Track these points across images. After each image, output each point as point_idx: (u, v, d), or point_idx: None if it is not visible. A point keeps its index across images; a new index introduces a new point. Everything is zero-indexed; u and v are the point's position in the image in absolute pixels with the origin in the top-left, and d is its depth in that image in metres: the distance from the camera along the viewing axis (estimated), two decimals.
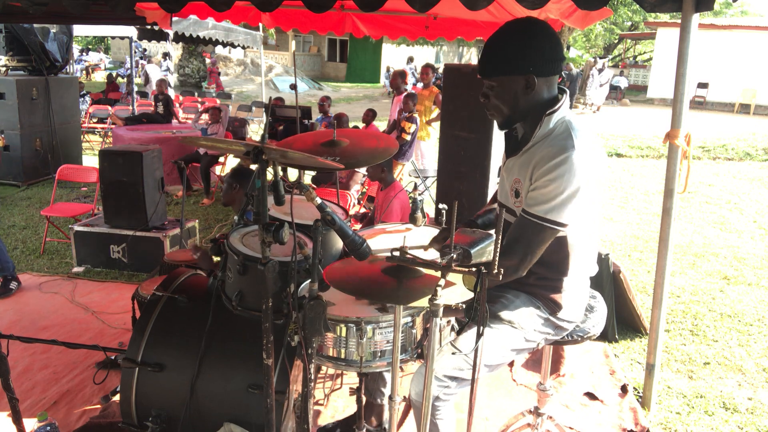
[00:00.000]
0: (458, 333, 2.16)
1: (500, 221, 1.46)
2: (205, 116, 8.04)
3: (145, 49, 25.61)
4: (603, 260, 3.59)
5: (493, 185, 4.26)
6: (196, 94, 15.52)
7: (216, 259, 3.09)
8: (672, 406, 3.09)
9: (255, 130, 12.04)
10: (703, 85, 20.04)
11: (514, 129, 1.95)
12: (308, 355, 1.63)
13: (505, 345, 1.90)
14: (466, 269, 1.46)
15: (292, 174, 7.61)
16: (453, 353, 1.85)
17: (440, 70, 14.48)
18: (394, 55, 29.30)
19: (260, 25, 9.35)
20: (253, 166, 1.54)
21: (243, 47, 13.05)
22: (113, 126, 10.32)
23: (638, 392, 3.18)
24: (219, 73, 20.88)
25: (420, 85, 10.29)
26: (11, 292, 4.28)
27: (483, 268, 1.44)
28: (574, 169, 1.66)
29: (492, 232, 1.65)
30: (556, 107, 1.78)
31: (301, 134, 2.23)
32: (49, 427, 2.49)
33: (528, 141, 1.82)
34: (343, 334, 1.88)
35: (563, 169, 1.66)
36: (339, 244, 2.46)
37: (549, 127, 1.78)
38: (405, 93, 7.37)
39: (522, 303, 1.92)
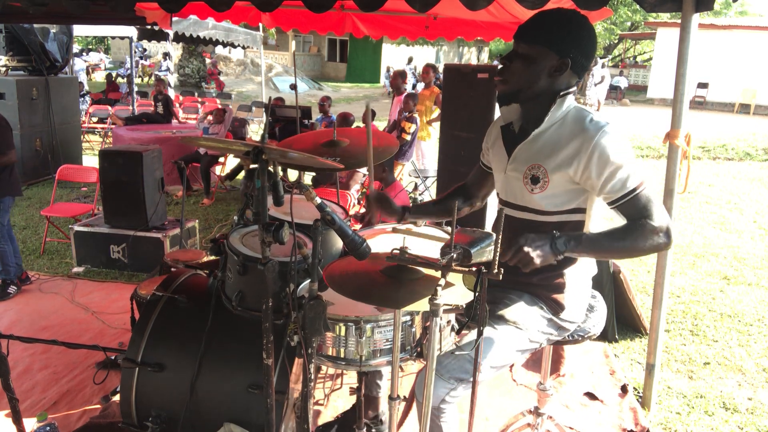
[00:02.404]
0: (458, 332, 2.16)
1: (500, 221, 1.46)
2: (209, 117, 8.05)
3: (145, 49, 25.62)
4: (603, 260, 3.59)
5: None
6: (196, 94, 15.53)
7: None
8: (672, 406, 3.09)
9: (255, 130, 12.04)
10: (703, 85, 20.05)
11: (510, 124, 1.94)
12: (308, 355, 1.63)
13: (510, 346, 1.89)
14: (466, 269, 1.46)
15: (293, 174, 7.61)
16: (453, 352, 1.85)
17: (440, 70, 14.48)
18: (394, 55, 29.31)
19: (260, 25, 9.34)
20: (253, 166, 1.53)
21: (243, 47, 13.05)
22: (113, 126, 10.32)
23: (638, 392, 3.18)
24: (220, 73, 20.88)
25: (420, 85, 10.29)
26: (9, 296, 4.26)
27: (483, 267, 1.44)
28: (617, 140, 1.71)
29: (493, 232, 1.65)
30: (569, 90, 1.80)
31: (301, 134, 2.23)
32: (49, 427, 2.49)
33: (540, 123, 1.81)
34: (343, 333, 1.88)
35: (613, 148, 1.70)
36: (339, 243, 2.46)
37: (562, 109, 1.80)
38: (405, 93, 7.37)
39: (525, 303, 1.92)
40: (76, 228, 4.84)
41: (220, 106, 8.53)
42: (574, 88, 1.82)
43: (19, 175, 4.35)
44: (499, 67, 1.85)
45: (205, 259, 3.40)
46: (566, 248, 1.67)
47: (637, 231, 1.71)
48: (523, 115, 1.90)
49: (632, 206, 1.73)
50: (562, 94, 1.79)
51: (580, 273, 1.93)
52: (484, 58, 37.13)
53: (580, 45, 1.76)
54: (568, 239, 1.68)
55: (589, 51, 1.79)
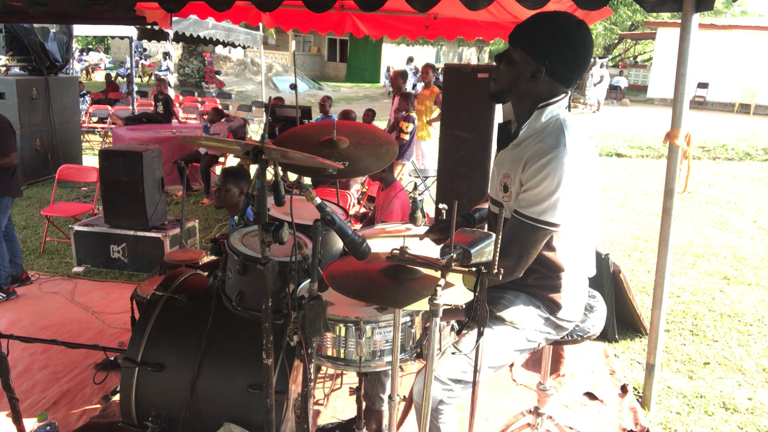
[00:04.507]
0: (458, 333, 2.16)
1: (500, 221, 1.46)
2: (204, 116, 8.06)
3: (145, 49, 25.62)
4: (603, 260, 3.59)
5: None
6: (196, 93, 15.52)
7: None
8: (672, 406, 3.10)
9: (255, 130, 12.04)
10: (703, 85, 20.04)
11: (508, 122, 1.94)
12: (308, 355, 1.63)
13: (507, 346, 1.89)
14: (466, 269, 1.46)
15: (292, 174, 7.60)
16: (453, 353, 1.85)
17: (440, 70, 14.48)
18: (394, 55, 29.30)
19: (260, 24, 9.34)
20: (253, 166, 1.54)
21: (243, 47, 13.05)
22: (113, 126, 10.32)
23: (638, 392, 3.18)
24: (219, 72, 20.87)
25: (420, 85, 10.28)
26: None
27: (483, 268, 1.44)
28: (564, 167, 1.65)
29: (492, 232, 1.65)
30: (551, 100, 1.77)
31: (299, 128, 2.23)
32: (49, 427, 2.49)
33: (518, 133, 1.81)
34: (342, 333, 1.88)
35: (553, 167, 1.65)
36: (339, 243, 2.46)
37: (541, 121, 1.77)
38: (403, 92, 7.37)
39: (522, 303, 1.92)
40: (76, 228, 4.84)
41: (220, 107, 8.53)
42: (560, 98, 1.78)
43: (20, 176, 4.33)
44: (495, 63, 1.87)
45: (206, 259, 3.40)
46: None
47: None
48: (515, 116, 1.90)
49: (513, 227, 1.72)
50: (541, 105, 1.76)
51: (577, 272, 1.93)
52: (484, 58, 37.12)
53: (557, 53, 1.72)
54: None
55: (571, 61, 1.74)
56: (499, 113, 4.19)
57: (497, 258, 1.42)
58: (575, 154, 1.67)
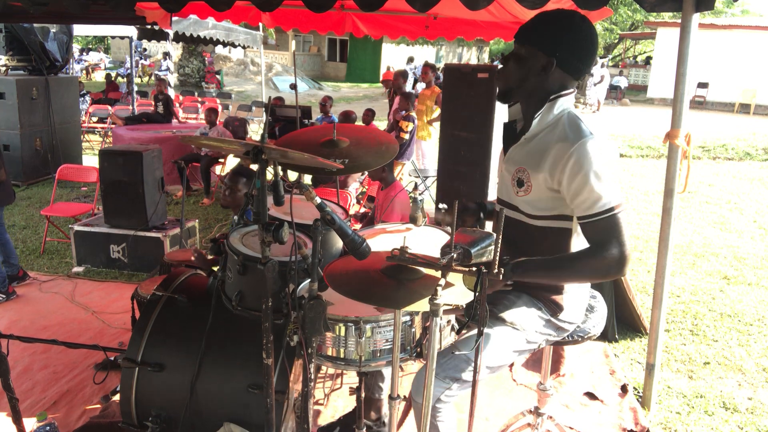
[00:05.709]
0: (458, 332, 2.16)
1: (501, 220, 1.46)
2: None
3: (145, 49, 25.63)
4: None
5: (493, 185, 4.26)
6: (196, 93, 15.51)
7: (210, 257, 3.08)
8: (672, 406, 3.09)
9: (255, 130, 12.04)
10: (703, 85, 20.04)
11: (514, 122, 1.94)
12: (308, 355, 1.63)
13: (507, 346, 1.89)
14: (467, 269, 1.46)
15: (292, 174, 7.61)
16: (453, 352, 1.85)
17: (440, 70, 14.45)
18: (394, 55, 29.29)
19: (260, 24, 9.35)
20: (253, 166, 1.54)
21: (243, 47, 13.05)
22: (113, 126, 10.32)
23: (638, 392, 3.18)
24: (219, 72, 20.87)
25: (420, 85, 10.29)
26: None
27: (483, 268, 1.44)
28: (598, 152, 1.67)
29: (493, 231, 1.65)
30: (562, 93, 1.79)
31: (299, 131, 2.24)
32: (48, 427, 2.49)
33: (529, 126, 1.81)
34: (342, 333, 1.88)
35: (590, 158, 1.66)
36: (339, 243, 2.46)
37: (553, 113, 1.78)
38: (402, 92, 7.38)
39: (524, 304, 1.91)
40: (76, 228, 4.84)
41: (220, 107, 8.52)
42: (570, 91, 1.80)
43: (10, 184, 4.29)
44: (502, 64, 1.89)
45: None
46: (513, 274, 1.63)
47: (588, 258, 1.68)
48: (522, 114, 1.91)
49: (596, 229, 1.69)
50: (553, 97, 1.78)
51: None
52: (484, 58, 37.11)
53: (567, 44, 1.76)
54: (516, 265, 1.64)
55: (580, 51, 1.77)
56: (499, 113, 4.19)
57: (497, 257, 1.42)
58: (599, 137, 1.70)
